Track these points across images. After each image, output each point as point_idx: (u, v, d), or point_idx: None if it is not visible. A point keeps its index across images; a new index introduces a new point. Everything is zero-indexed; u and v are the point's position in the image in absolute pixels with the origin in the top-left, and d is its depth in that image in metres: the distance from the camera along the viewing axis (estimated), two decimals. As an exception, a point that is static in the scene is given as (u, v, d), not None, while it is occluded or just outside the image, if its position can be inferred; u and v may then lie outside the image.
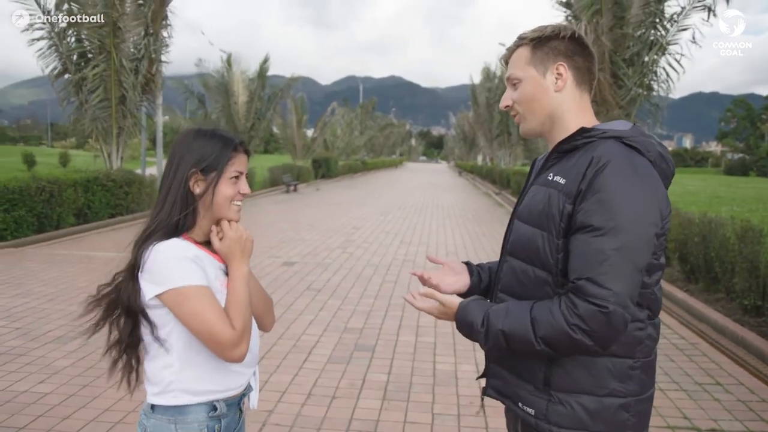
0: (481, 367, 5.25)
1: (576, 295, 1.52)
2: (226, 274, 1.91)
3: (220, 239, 1.88)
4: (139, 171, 18.38)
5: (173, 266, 1.76)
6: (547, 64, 1.74)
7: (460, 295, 1.96)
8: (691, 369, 5.50)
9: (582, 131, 1.69)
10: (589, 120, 1.76)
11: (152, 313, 1.80)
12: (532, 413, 1.68)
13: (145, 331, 1.85)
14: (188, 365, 1.84)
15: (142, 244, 1.82)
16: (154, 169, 22.77)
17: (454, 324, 1.78)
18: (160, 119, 20.98)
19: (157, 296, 1.76)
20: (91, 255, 10.42)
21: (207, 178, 1.85)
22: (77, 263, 9.60)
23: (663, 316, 7.34)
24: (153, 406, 1.87)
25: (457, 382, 4.99)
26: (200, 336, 1.76)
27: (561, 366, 1.64)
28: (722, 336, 6.49)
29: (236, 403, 1.97)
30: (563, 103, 1.75)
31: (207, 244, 1.92)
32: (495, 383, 1.82)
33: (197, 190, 1.85)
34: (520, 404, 1.72)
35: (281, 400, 4.52)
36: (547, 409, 1.66)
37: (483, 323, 1.66)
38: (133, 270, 1.81)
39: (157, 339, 1.83)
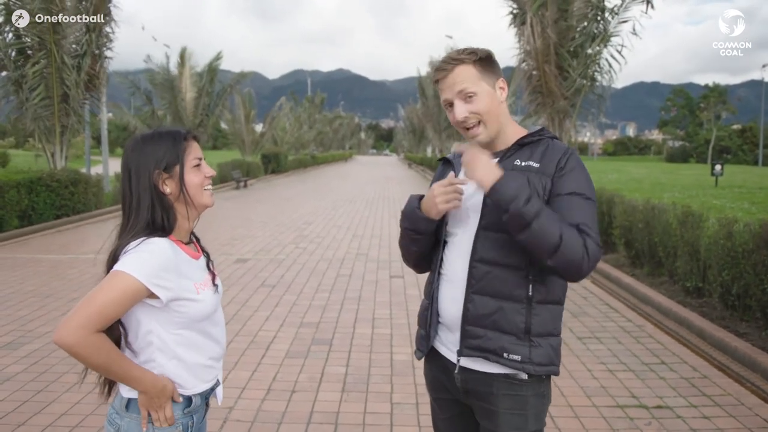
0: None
1: (587, 234, 1.92)
2: (209, 270, 2.00)
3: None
4: (84, 170, 17.95)
5: (145, 259, 1.76)
6: (493, 80, 2.09)
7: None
8: (637, 350, 5.71)
9: (541, 131, 2.13)
10: (513, 123, 2.18)
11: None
12: (519, 359, 2.00)
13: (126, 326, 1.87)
14: (172, 359, 1.86)
15: (122, 242, 1.83)
16: (99, 167, 22.23)
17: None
18: (105, 117, 20.52)
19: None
20: (38, 258, 10.17)
21: (171, 175, 1.87)
22: (23, 267, 9.36)
23: (610, 300, 7.59)
24: (128, 404, 1.86)
25: (414, 372, 5.07)
26: (82, 300, 1.73)
27: (537, 314, 2.01)
28: (666, 317, 6.74)
29: (206, 398, 2.01)
30: (505, 111, 2.14)
31: (188, 244, 1.98)
32: (474, 342, 2.03)
33: (167, 190, 1.87)
34: (505, 354, 2.00)
35: (241, 396, 4.53)
36: (530, 353, 2.00)
37: (529, 197, 1.90)
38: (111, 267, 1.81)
39: (133, 339, 1.85)
